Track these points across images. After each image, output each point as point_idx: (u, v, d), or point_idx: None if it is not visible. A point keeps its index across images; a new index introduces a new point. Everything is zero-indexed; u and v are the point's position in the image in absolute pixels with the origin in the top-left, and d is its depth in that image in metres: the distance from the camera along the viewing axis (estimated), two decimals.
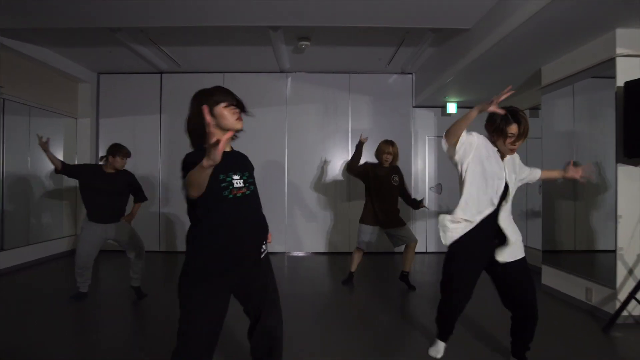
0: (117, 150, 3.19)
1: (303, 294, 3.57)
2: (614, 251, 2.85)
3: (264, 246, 1.59)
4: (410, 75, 5.62)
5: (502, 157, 2.03)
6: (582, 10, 2.59)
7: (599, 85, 3.13)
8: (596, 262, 3.22)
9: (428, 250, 5.64)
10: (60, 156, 5.35)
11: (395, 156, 3.76)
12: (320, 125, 5.61)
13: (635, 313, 2.82)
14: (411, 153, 5.61)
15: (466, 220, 2.00)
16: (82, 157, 5.53)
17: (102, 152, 5.60)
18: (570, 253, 3.57)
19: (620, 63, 2.83)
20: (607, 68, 2.94)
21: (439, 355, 2.26)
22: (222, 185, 1.44)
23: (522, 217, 4.74)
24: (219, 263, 1.44)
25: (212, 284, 1.43)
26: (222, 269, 1.45)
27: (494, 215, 2.00)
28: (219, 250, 1.44)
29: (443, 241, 2.10)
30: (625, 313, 2.79)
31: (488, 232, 2.01)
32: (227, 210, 1.45)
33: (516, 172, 2.09)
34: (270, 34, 4.13)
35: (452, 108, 5.37)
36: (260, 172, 5.60)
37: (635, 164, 2.84)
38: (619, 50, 2.83)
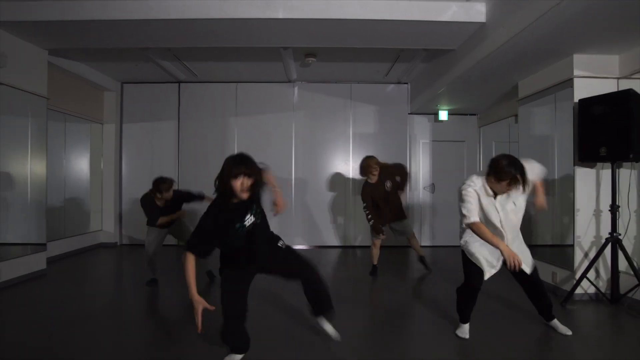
0: (161, 183, 3.64)
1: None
2: (573, 241, 3.42)
3: (280, 242, 2.29)
4: (405, 85, 6.19)
5: (496, 194, 2.37)
6: (545, 40, 3.13)
7: (569, 96, 3.64)
8: (560, 253, 3.78)
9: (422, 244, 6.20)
10: (87, 158, 5.90)
11: (380, 167, 4.11)
12: (324, 130, 6.17)
13: (590, 291, 3.38)
14: (407, 156, 6.16)
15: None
16: (108, 157, 6.08)
17: (125, 155, 6.18)
18: (543, 246, 4.13)
19: (577, 83, 3.39)
20: (569, 86, 3.50)
21: (467, 336, 2.58)
22: (238, 230, 2.07)
23: None
24: (234, 265, 2.19)
25: (233, 274, 2.18)
26: (236, 267, 2.18)
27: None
28: (234, 260, 2.18)
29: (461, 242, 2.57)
30: (582, 291, 3.35)
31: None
32: (239, 239, 2.09)
33: (507, 202, 2.39)
34: (281, 52, 4.69)
35: (443, 115, 5.93)
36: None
37: (589, 167, 3.40)
38: (576, 72, 3.39)
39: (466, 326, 2.64)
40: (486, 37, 3.54)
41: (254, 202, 2.11)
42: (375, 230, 4.12)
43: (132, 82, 6.20)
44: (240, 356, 2.22)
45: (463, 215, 2.39)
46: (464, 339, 2.58)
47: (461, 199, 2.41)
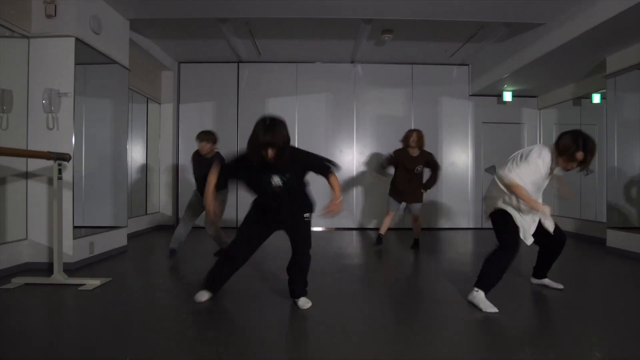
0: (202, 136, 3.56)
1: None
2: None
3: (306, 215, 2.34)
4: (466, 67, 6.14)
5: (552, 170, 2.42)
6: None
7: None
8: None
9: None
10: (144, 137, 5.76)
11: (420, 142, 4.17)
12: (385, 111, 6.14)
13: None
14: (468, 138, 6.14)
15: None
16: (166, 139, 5.99)
17: (181, 135, 6.10)
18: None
19: None
20: None
21: (495, 309, 2.27)
22: (263, 183, 2.21)
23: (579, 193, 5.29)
24: (259, 217, 2.36)
25: (255, 222, 2.37)
26: (261, 218, 2.35)
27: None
28: (260, 212, 2.35)
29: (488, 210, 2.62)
30: None
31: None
32: (267, 194, 2.26)
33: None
34: (361, 26, 4.61)
35: (507, 96, 5.89)
36: (330, 147, 5.86)
37: None
38: None
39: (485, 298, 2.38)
40: (591, 7, 3.49)
41: (284, 168, 2.17)
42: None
43: (189, 62, 6.10)
44: (208, 294, 2.41)
45: (512, 172, 2.37)
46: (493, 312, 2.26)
47: (526, 160, 2.37)
